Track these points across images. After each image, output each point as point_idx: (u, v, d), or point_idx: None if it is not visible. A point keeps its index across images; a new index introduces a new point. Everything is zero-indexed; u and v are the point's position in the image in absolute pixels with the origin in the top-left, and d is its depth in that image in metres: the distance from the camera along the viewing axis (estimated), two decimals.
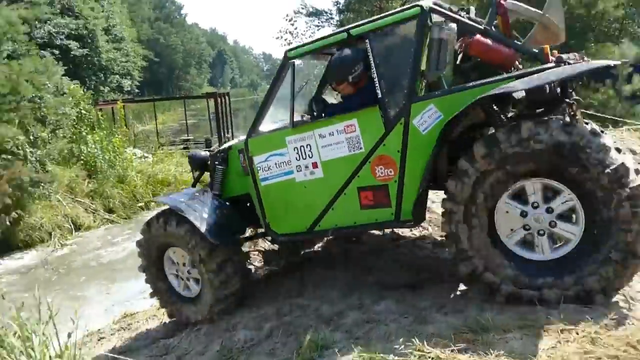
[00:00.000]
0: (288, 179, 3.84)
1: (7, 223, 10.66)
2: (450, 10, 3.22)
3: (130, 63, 47.99)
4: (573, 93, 3.10)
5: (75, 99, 14.01)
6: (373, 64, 3.34)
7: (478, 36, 3.16)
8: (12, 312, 2.80)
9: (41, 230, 11.39)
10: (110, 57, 41.82)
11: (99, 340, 5.62)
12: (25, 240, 11.14)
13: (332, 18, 30.81)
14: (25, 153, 11.00)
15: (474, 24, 3.29)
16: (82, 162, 13.86)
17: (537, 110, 3.14)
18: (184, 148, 24.50)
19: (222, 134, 24.11)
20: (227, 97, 26.13)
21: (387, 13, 3.38)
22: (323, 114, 3.75)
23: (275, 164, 3.87)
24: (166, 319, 5.12)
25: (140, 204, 13.77)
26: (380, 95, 3.30)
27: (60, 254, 10.84)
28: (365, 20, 3.54)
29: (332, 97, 4.15)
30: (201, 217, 3.95)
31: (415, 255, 4.65)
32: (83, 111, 14.34)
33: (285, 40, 31.19)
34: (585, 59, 3.06)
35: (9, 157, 10.90)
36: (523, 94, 3.00)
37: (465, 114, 2.97)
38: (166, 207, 4.44)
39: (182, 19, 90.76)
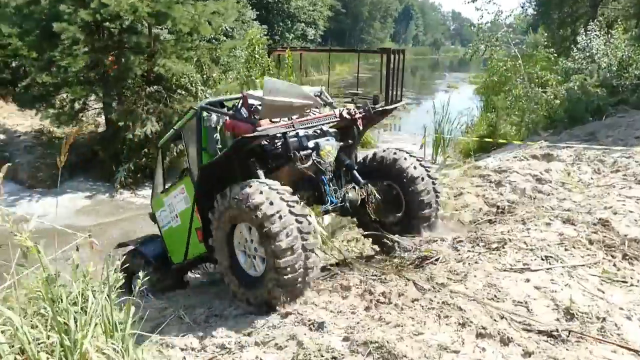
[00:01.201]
0: (170, 226, 5.32)
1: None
2: (215, 106, 4.56)
3: (317, 12, 49.16)
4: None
5: (251, 43, 14.48)
6: (184, 146, 4.86)
7: (228, 119, 4.26)
8: None
9: None
10: (299, 5, 43.27)
11: None
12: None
13: None
14: (196, 90, 11.71)
15: (225, 111, 4.46)
16: None
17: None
18: (351, 101, 24.44)
19: (390, 92, 23.43)
20: (401, 55, 25.17)
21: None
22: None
23: (164, 216, 5.41)
24: None
25: None
26: (188, 166, 4.74)
27: None
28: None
29: None
30: None
31: None
32: (256, 55, 14.81)
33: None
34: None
35: (183, 92, 11.74)
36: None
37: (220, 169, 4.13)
38: None
39: None
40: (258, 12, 37.83)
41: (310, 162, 4.06)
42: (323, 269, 4.45)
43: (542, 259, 3.44)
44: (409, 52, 79.85)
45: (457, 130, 15.31)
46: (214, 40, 12.27)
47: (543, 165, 6.64)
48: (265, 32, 38.30)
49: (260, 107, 4.17)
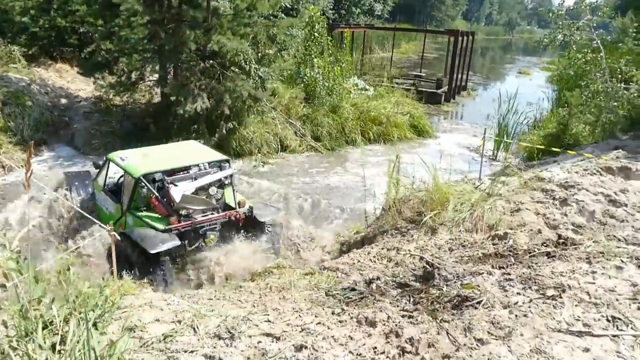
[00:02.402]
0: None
1: (224, 131, 11.50)
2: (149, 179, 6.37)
3: None
4: None
5: (310, 21, 13.97)
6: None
7: (153, 198, 6.33)
8: None
9: (251, 144, 12.04)
10: None
11: None
12: (236, 149, 11.95)
13: None
14: (250, 68, 11.42)
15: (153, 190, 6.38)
16: (304, 84, 14.09)
17: None
18: (412, 84, 23.48)
19: (455, 76, 22.26)
20: (470, 37, 23.79)
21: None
22: None
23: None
24: None
25: (346, 138, 13.53)
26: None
27: (260, 170, 11.32)
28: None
29: None
30: None
31: None
32: (316, 34, 14.30)
33: None
34: None
35: (236, 70, 11.48)
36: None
37: None
38: None
39: None
40: None
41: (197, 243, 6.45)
42: (353, 288, 4.07)
43: (608, 320, 2.87)
44: (480, 32, 76.31)
45: (524, 124, 14.25)
46: (271, 17, 11.86)
47: (619, 183, 5.84)
48: (331, 7, 37.63)
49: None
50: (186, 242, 6.22)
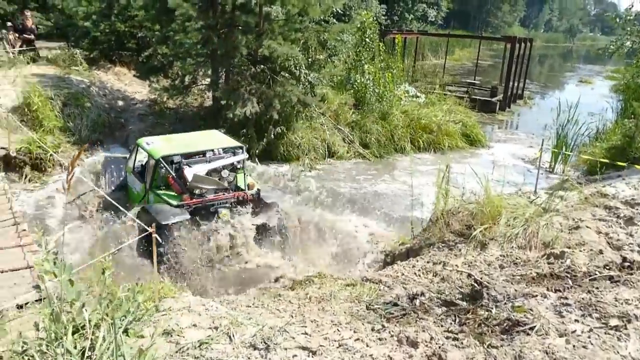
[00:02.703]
0: None
1: (272, 136, 11.54)
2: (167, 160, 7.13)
3: None
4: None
5: (362, 26, 13.85)
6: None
7: (170, 177, 7.12)
8: None
9: (299, 149, 12.02)
10: None
11: None
12: (283, 154, 11.96)
13: None
14: (300, 74, 11.41)
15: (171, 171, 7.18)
16: (354, 90, 13.96)
17: None
18: (465, 92, 22.88)
19: (511, 84, 21.47)
20: (528, 43, 22.91)
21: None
22: None
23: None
24: None
25: (395, 146, 13.28)
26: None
27: (307, 175, 11.26)
28: None
29: None
30: None
31: None
32: (367, 39, 14.16)
33: None
34: None
35: (286, 75, 11.51)
36: None
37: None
38: None
39: None
40: None
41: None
42: (395, 303, 3.89)
43: None
44: (539, 39, 73.66)
45: (584, 136, 13.50)
46: (323, 23, 11.82)
47: None
48: (384, 12, 37.34)
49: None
50: (197, 217, 6.80)
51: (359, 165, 12.26)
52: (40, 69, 13.55)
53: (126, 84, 15.60)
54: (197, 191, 6.96)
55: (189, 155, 7.22)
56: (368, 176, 11.55)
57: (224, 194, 7.15)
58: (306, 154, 12.04)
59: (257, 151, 11.51)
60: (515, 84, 22.03)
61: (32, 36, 15.13)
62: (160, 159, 6.98)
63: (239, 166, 7.48)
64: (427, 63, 37.74)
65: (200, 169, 7.04)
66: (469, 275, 4.10)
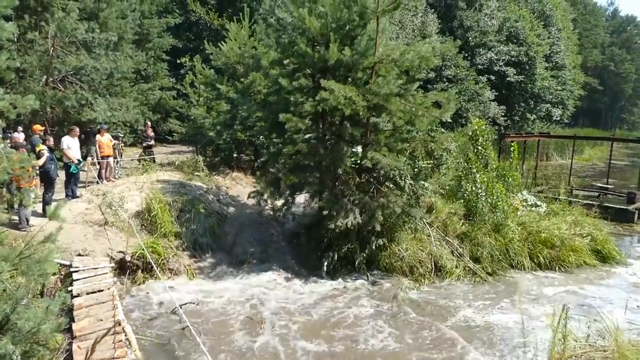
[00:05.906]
0: None
1: (374, 247, 11.10)
2: None
3: (566, 92, 44.80)
4: None
5: (474, 134, 13.38)
6: None
7: None
8: None
9: (402, 261, 11.34)
10: (545, 85, 40.08)
11: None
12: (385, 266, 11.36)
13: None
14: (405, 184, 11.09)
15: None
16: (464, 199, 13.21)
17: None
18: (597, 197, 20.74)
19: None
20: None
21: None
22: None
23: None
24: None
25: (510, 261, 12.02)
26: None
27: (412, 296, 10.39)
28: None
29: None
30: None
31: None
32: (479, 147, 13.59)
33: None
34: None
35: (391, 185, 11.25)
36: None
37: None
38: None
39: None
40: (497, 93, 36.32)
41: None
42: None
43: None
44: None
45: None
46: (430, 132, 11.60)
47: None
48: (503, 113, 36.49)
49: None
50: None
51: (477, 288, 10.79)
52: (166, 175, 14.86)
53: (244, 185, 16.43)
54: None
55: None
56: (486, 301, 10.27)
57: None
58: (412, 268, 11.29)
59: (359, 261, 11.12)
60: None
61: (152, 142, 18.39)
62: None
63: None
64: (551, 164, 35.44)
65: None
66: None
